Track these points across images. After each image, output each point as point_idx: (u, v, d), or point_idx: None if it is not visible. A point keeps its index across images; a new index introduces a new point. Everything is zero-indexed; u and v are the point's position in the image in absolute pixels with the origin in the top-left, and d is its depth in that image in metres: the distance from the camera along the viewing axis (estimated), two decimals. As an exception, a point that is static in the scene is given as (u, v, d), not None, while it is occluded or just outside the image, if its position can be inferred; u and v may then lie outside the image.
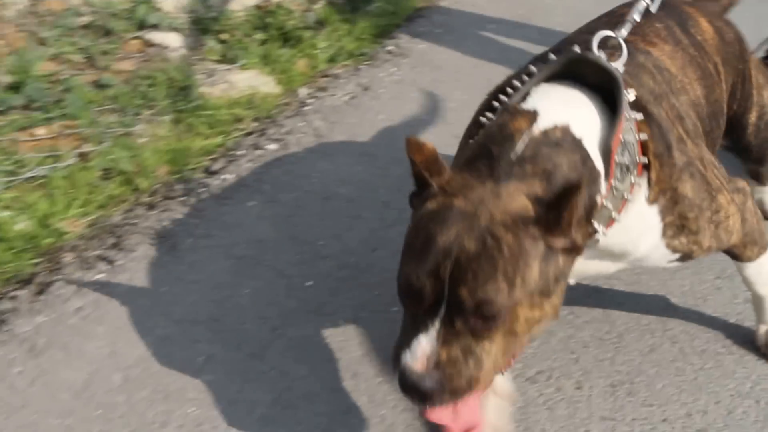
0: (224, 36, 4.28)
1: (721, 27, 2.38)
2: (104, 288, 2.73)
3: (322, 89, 4.06)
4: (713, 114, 2.16)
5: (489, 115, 1.90)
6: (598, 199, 1.74)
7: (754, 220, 2.13)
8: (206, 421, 2.28)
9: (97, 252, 2.91)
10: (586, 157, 1.72)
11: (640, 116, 1.82)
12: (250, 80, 4.02)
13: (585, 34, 2.09)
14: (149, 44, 4.11)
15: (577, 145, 1.73)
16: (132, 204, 3.19)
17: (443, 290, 1.58)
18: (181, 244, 2.96)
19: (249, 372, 2.42)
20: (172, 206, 3.16)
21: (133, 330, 2.57)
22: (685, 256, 1.98)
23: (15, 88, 3.58)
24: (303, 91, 4.03)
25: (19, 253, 2.87)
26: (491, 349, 1.61)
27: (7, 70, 3.64)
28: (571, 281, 1.87)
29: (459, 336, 1.59)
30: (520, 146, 1.70)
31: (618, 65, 1.87)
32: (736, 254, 2.19)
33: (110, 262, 2.86)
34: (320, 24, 4.56)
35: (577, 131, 1.74)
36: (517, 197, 1.61)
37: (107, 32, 4.06)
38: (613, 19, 2.19)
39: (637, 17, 2.06)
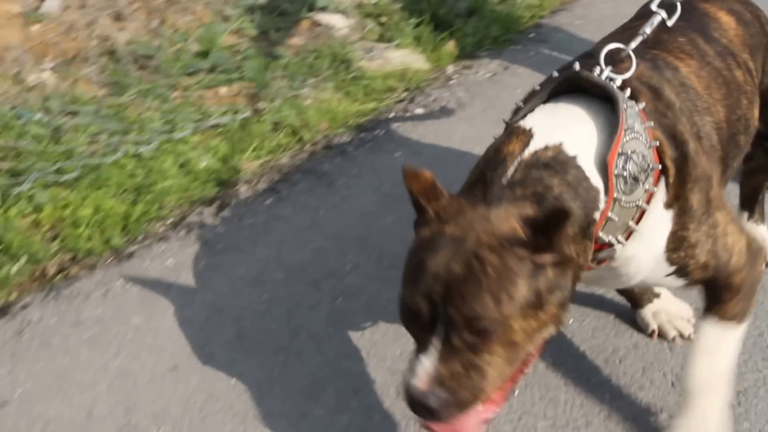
0: (383, 19, 4.80)
1: (739, 10, 2.37)
2: (271, 210, 3.27)
3: (467, 67, 4.52)
4: (732, 136, 2.13)
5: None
6: (596, 215, 1.76)
7: (759, 278, 2.05)
8: (349, 309, 2.77)
9: (267, 185, 3.46)
10: (580, 175, 1.76)
11: (650, 124, 1.84)
12: (403, 57, 4.51)
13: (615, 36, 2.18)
14: (317, 24, 4.66)
15: (570, 163, 1.76)
16: (296, 151, 3.73)
17: (437, 312, 1.66)
18: (336, 181, 3.47)
19: (387, 279, 2.89)
20: (330, 153, 3.68)
21: (293, 241, 3.09)
22: (681, 271, 1.95)
23: (203, 54, 4.20)
24: (450, 68, 4.50)
25: (204, 183, 3.44)
26: (493, 360, 1.67)
27: (197, 40, 4.27)
28: (601, 289, 1.95)
29: (458, 352, 1.66)
30: (510, 170, 1.75)
31: (626, 76, 1.91)
32: (721, 300, 2.02)
33: (277, 192, 3.41)
34: (471, 13, 5.02)
35: (571, 149, 1.78)
36: (506, 220, 1.67)
37: (281, 12, 4.65)
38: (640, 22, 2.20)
39: (648, 29, 2.08)
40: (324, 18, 4.70)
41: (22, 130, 3.39)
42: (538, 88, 1.98)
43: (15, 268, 2.92)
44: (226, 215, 3.25)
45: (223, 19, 4.51)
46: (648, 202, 1.81)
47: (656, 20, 2.09)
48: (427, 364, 1.67)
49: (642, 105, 1.85)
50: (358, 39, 4.64)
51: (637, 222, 1.82)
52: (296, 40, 4.54)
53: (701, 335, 2.04)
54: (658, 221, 1.85)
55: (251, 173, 3.55)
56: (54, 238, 3.08)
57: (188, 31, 4.33)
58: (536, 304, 1.66)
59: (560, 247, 1.66)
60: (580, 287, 1.92)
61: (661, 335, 2.54)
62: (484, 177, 1.77)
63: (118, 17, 4.30)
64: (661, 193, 1.84)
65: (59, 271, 2.97)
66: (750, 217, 2.79)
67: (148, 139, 3.52)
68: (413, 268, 1.71)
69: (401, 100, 4.18)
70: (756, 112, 2.25)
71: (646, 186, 1.79)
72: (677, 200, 1.86)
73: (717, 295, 2.01)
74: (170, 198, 3.33)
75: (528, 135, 1.81)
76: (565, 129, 1.81)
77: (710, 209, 1.91)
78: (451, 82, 4.35)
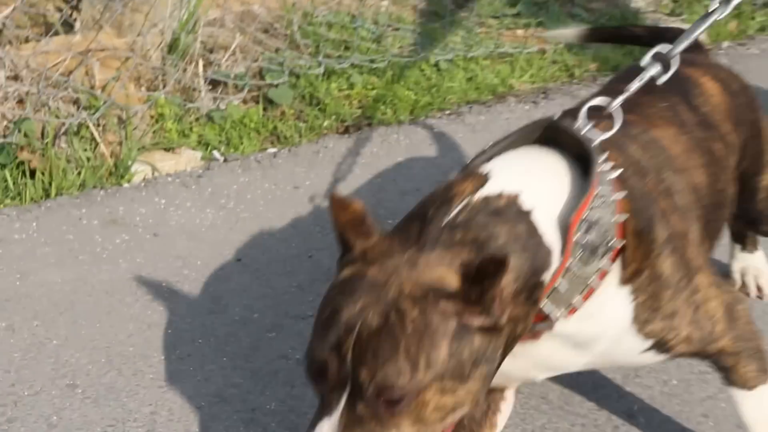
0: (680, -5, 5.37)
1: (725, 78, 2.19)
2: (527, 113, 4.03)
3: (741, 45, 5.00)
4: (716, 204, 1.96)
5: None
6: (545, 278, 1.54)
7: (749, 329, 1.82)
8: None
9: (533, 99, 4.24)
10: (532, 230, 1.54)
11: (622, 195, 1.63)
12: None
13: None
14: (618, -6, 5.33)
15: (523, 216, 1.55)
16: (564, 83, 4.48)
17: (347, 369, 1.42)
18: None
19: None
20: (593, 88, 4.37)
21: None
22: (661, 346, 1.73)
23: (513, 4, 5.04)
24: (725, 44, 5.00)
25: (481, 92, 4.28)
26: None
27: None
28: (539, 376, 1.82)
29: (362, 421, 1.43)
30: (454, 211, 1.53)
31: (606, 136, 1.70)
32: (728, 368, 1.84)
33: (536, 103, 4.17)
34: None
35: (528, 202, 1.56)
36: (436, 268, 1.45)
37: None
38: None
39: (635, 86, 1.81)
40: (624, -10, 5.35)
41: (354, 32, 4.40)
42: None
43: (326, 123, 3.90)
44: (491, 113, 4.07)
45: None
46: (600, 279, 1.60)
47: (647, 76, 1.81)
48: (329, 429, 1.44)
49: (617, 173, 1.66)
50: (650, 11, 5.24)
51: (584, 299, 1.60)
52: (596, 5, 5.22)
53: (743, 410, 1.88)
54: (610, 300, 1.64)
55: (522, 91, 4.33)
56: (359, 108, 4.04)
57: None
58: (457, 375, 1.42)
59: (492, 304, 1.43)
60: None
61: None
62: (424, 214, 1.55)
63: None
64: (616, 271, 1.63)
65: (356, 129, 3.92)
66: (743, 248, 2.63)
67: (447, 54, 4.41)
68: (326, 313, 1.48)
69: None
70: (732, 193, 2.08)
71: (602, 263, 1.58)
72: (638, 274, 1.65)
73: (722, 367, 1.85)
74: (452, 97, 4.19)
75: (484, 178, 1.60)
76: (527, 179, 1.61)
77: (689, 272, 1.71)
78: (720, 52, 4.84)
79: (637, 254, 1.64)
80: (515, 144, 1.72)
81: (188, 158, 3.48)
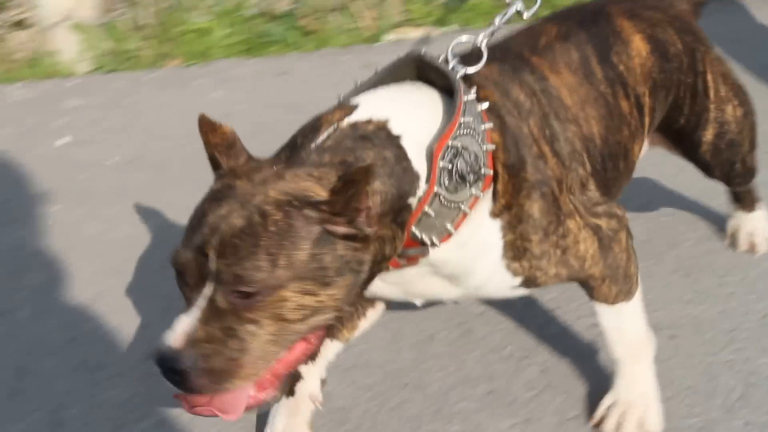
0: None
1: (662, 40, 2.12)
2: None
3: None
4: (611, 155, 1.99)
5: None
6: (413, 202, 1.58)
7: (622, 256, 1.89)
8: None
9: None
10: (400, 155, 1.58)
11: (490, 125, 1.68)
12: None
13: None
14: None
15: (392, 141, 1.59)
16: None
17: (209, 268, 1.47)
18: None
19: None
20: None
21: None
22: (529, 282, 1.79)
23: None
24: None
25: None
26: (256, 332, 1.48)
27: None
28: (417, 301, 1.87)
29: (222, 315, 1.47)
30: (323, 136, 1.58)
31: (472, 70, 1.74)
32: (591, 287, 1.90)
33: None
34: None
35: (397, 128, 1.60)
36: (303, 181, 1.50)
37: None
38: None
39: (498, 21, 1.88)
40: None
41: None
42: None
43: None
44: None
45: None
46: (471, 207, 1.64)
47: (510, 11, 1.91)
48: (186, 322, 1.47)
49: (485, 105, 1.70)
50: None
51: (457, 227, 1.64)
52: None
53: (601, 320, 1.96)
54: (482, 229, 1.69)
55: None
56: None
57: None
58: (319, 278, 1.47)
59: (355, 214, 1.47)
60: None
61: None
62: (294, 142, 1.61)
63: None
64: (487, 201, 1.68)
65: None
66: (742, 208, 2.54)
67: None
68: (193, 219, 1.52)
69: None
70: (638, 150, 2.10)
71: (473, 190, 1.62)
72: (508, 209, 1.71)
73: (587, 287, 1.91)
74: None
75: (353, 108, 1.63)
76: (396, 107, 1.65)
77: (560, 217, 1.76)
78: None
79: (508, 188, 1.69)
80: (386, 80, 1.75)
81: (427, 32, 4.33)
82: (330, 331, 1.57)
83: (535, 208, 1.72)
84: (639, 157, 2.11)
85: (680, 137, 2.22)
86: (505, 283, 1.77)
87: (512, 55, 1.89)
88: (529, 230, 1.72)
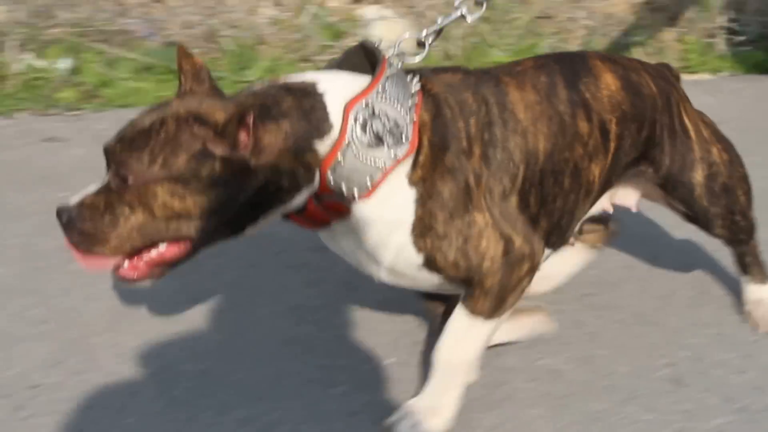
0: None
1: (637, 82, 2.18)
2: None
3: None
4: (554, 171, 2.03)
5: None
6: (319, 147, 1.76)
7: (516, 282, 1.95)
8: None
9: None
10: (318, 106, 1.77)
11: (417, 101, 1.83)
12: None
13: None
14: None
15: (312, 95, 1.78)
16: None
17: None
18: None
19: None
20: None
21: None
22: (430, 262, 1.89)
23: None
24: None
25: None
26: (128, 217, 1.72)
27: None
28: (378, 277, 1.98)
29: (109, 194, 1.73)
30: (257, 86, 1.81)
31: (413, 59, 1.94)
32: (470, 294, 1.96)
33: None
34: None
35: (322, 87, 1.79)
36: (213, 107, 1.71)
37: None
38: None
39: (441, 20, 2.05)
40: None
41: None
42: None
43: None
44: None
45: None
46: (392, 168, 1.78)
47: (455, 15, 2.06)
48: (87, 190, 1.76)
49: (416, 80, 1.87)
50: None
51: (377, 185, 1.78)
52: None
53: (452, 321, 2.01)
54: (399, 194, 1.84)
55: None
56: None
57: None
58: (190, 186, 1.69)
59: (240, 143, 1.69)
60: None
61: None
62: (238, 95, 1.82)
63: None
64: (407, 166, 1.82)
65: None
66: (752, 280, 2.50)
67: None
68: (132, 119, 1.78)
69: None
70: (597, 172, 2.12)
71: (395, 151, 1.77)
72: (423, 181, 1.84)
73: (470, 290, 1.95)
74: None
75: (291, 76, 1.85)
76: (329, 76, 1.86)
77: (468, 207, 1.87)
78: None
79: (427, 162, 1.83)
80: (339, 66, 1.94)
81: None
82: (193, 248, 1.77)
83: (446, 188, 1.85)
84: (600, 181, 2.14)
85: (673, 183, 2.25)
86: (411, 260, 1.89)
87: (487, 73, 2.02)
88: (436, 208, 1.85)
